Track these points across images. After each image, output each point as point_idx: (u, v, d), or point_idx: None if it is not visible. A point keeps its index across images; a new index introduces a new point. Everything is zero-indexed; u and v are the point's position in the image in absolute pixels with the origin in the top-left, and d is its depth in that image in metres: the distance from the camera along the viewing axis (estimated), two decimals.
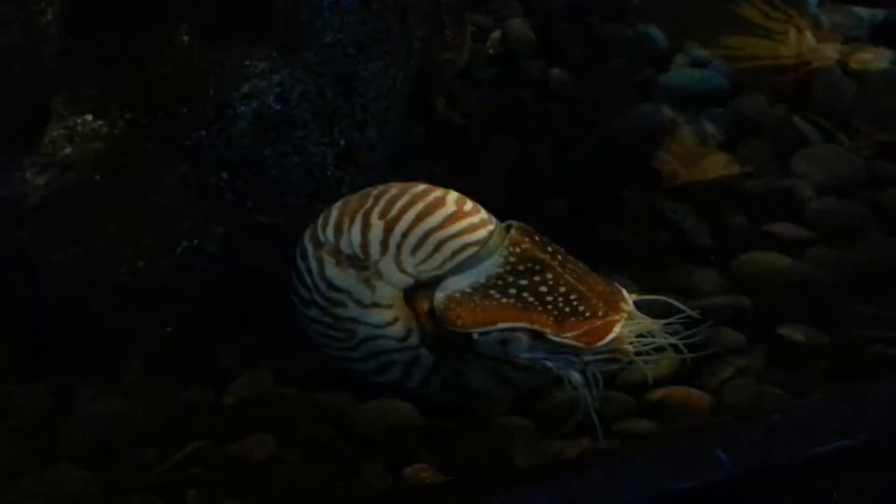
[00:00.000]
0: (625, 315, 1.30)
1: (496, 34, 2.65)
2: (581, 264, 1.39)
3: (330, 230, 1.38)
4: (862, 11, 2.67)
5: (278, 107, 1.60)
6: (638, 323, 1.30)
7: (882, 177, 1.98)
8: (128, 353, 1.50)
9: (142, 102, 1.57)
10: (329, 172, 1.65)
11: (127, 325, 1.53)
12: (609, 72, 2.55)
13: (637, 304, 1.37)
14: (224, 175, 1.58)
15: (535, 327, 1.27)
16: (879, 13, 2.66)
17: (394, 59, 1.77)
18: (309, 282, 1.38)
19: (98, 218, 1.52)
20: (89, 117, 1.54)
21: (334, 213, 1.39)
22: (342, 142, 1.67)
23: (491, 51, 2.66)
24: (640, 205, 2.13)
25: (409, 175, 2.04)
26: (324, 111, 1.65)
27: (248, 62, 1.60)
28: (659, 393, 1.42)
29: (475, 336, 1.28)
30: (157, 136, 1.56)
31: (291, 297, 1.42)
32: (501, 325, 1.27)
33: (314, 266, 1.38)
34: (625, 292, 1.37)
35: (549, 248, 1.36)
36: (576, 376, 1.27)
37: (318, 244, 1.38)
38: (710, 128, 2.23)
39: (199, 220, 1.57)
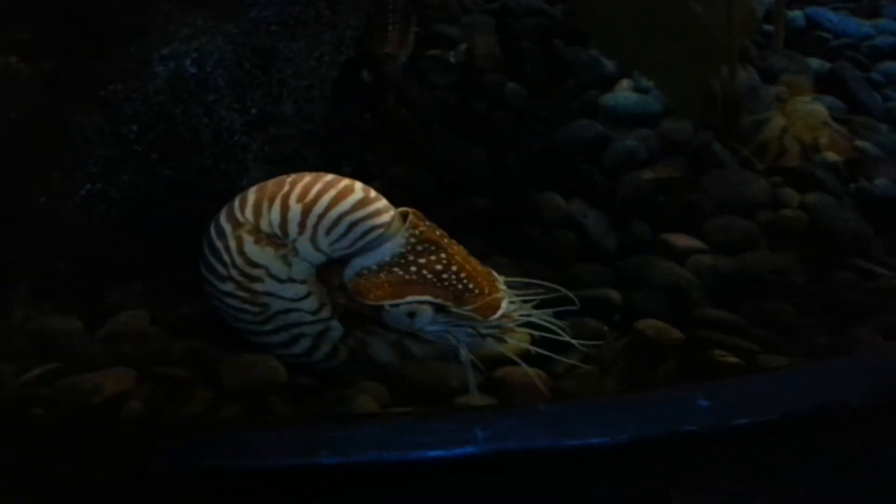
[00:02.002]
0: (505, 293, 1.38)
1: (463, 46, 2.65)
2: (462, 247, 1.44)
3: (249, 211, 1.42)
4: (814, 63, 2.63)
5: (194, 70, 1.61)
6: (515, 301, 1.37)
7: (784, 201, 1.92)
8: (16, 281, 1.49)
9: (68, 51, 1.57)
10: (236, 137, 1.65)
11: (22, 255, 1.52)
12: (560, 90, 2.53)
13: (508, 285, 1.43)
14: (135, 127, 1.59)
15: (439, 301, 1.33)
16: (828, 65, 2.63)
17: (319, 43, 1.77)
18: (227, 258, 1.42)
19: (7, 151, 1.51)
20: (14, 58, 1.55)
21: (251, 196, 1.43)
22: (253, 110, 1.67)
23: (453, 59, 2.65)
24: (557, 208, 2.10)
25: (336, 156, 2.04)
26: (238, 80, 1.65)
27: (171, 27, 1.61)
28: (502, 371, 1.38)
29: (386, 307, 1.34)
30: (77, 84, 1.57)
31: (204, 273, 1.45)
32: (410, 298, 1.33)
33: (232, 244, 1.41)
34: (495, 273, 1.43)
35: (438, 232, 1.42)
36: (465, 349, 1.34)
37: (236, 224, 1.42)
38: (634, 144, 2.19)
39: (106, 167, 1.58)
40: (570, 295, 1.43)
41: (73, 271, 1.55)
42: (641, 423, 1.06)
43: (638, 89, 2.51)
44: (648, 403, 1.11)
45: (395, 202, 2.18)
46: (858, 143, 2.30)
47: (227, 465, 1.02)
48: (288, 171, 1.78)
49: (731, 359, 1.37)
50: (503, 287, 1.39)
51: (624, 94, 2.41)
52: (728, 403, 1.09)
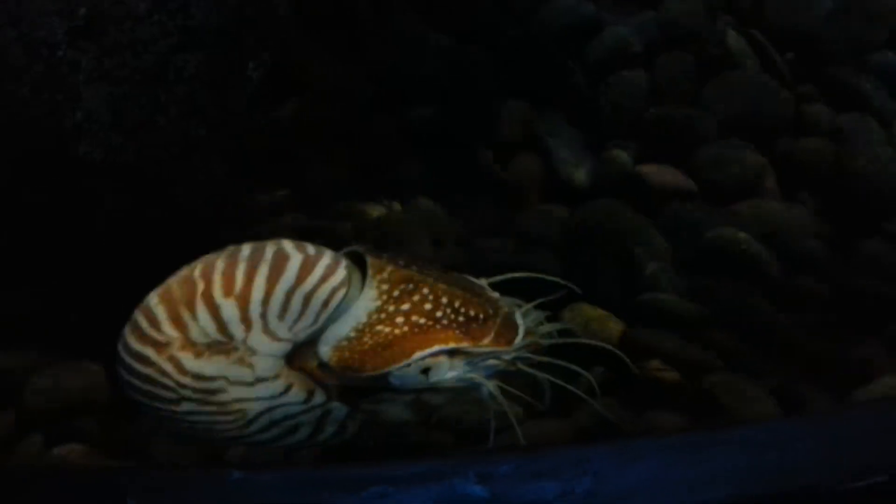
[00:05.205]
0: (508, 304, 1.14)
1: None
2: (433, 264, 1.18)
3: (167, 327, 1.07)
4: None
5: None
6: (524, 310, 1.14)
7: (810, 124, 1.40)
8: None
9: None
10: (61, 53, 1.21)
11: None
12: None
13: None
14: None
15: (451, 345, 1.10)
16: None
17: None
18: (168, 382, 1.09)
19: None
20: None
21: (160, 309, 1.08)
22: (83, 10, 1.22)
23: None
24: (521, 122, 1.63)
25: (238, 58, 1.58)
26: None
27: None
28: None
29: (394, 373, 1.10)
30: None
31: (143, 402, 1.11)
32: (417, 355, 1.09)
33: (168, 367, 1.08)
34: (476, 281, 1.17)
35: (402, 261, 1.14)
36: (487, 385, 1.12)
37: (158, 345, 1.07)
38: (625, 32, 1.66)
39: None
40: (576, 288, 1.10)
41: None
42: None
43: None
44: (374, 481, 0.68)
45: (320, 114, 1.75)
46: None
47: None
48: (145, 94, 1.36)
49: (671, 374, 0.96)
50: (496, 295, 1.12)
51: None
52: (513, 497, 0.65)
